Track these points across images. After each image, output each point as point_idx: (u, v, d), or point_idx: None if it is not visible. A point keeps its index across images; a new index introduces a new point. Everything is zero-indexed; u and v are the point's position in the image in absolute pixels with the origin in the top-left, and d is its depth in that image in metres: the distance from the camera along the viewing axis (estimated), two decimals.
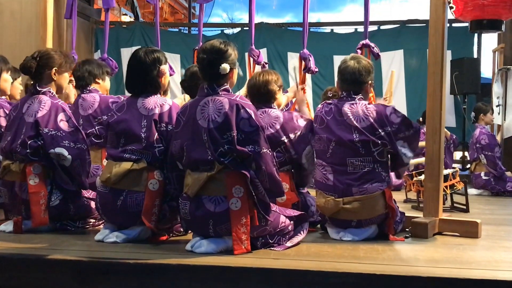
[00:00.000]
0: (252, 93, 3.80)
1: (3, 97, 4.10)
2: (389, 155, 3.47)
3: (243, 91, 4.48)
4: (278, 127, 3.64)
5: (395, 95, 8.91)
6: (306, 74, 4.59)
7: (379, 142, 3.36)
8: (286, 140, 3.63)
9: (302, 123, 3.68)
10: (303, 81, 4.56)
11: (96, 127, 4.17)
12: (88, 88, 4.37)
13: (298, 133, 3.65)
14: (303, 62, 4.57)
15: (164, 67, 3.33)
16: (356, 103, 3.46)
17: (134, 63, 3.31)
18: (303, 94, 4.39)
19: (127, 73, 3.36)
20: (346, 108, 3.45)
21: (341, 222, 3.41)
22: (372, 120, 3.39)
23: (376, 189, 3.35)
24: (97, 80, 4.42)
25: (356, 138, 3.36)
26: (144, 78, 3.28)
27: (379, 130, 3.37)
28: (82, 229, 3.59)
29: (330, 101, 3.60)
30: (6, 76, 4.03)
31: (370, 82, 3.57)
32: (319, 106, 3.66)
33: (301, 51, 4.43)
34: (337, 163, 3.41)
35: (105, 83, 4.52)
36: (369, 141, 3.36)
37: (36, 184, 3.40)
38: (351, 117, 3.41)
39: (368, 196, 3.33)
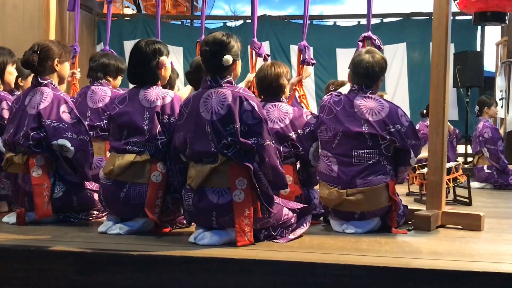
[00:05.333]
0: (262, 87, 3.80)
1: (17, 92, 4.10)
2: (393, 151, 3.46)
3: (243, 83, 4.47)
4: (287, 122, 3.65)
5: (397, 88, 8.93)
6: (307, 66, 4.58)
7: (388, 137, 3.36)
8: (294, 136, 3.63)
9: (311, 119, 3.68)
10: (300, 73, 4.56)
11: (104, 121, 4.17)
12: (99, 81, 4.37)
13: (307, 130, 3.64)
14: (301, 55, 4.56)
15: (164, 59, 3.32)
16: (368, 97, 3.46)
17: (135, 53, 3.32)
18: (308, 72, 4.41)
19: (128, 63, 3.38)
20: (359, 100, 3.44)
21: (344, 214, 3.41)
22: (384, 115, 3.38)
23: (380, 181, 3.35)
24: (108, 77, 4.42)
25: (365, 131, 3.36)
26: (142, 68, 3.28)
27: (390, 126, 3.37)
28: (85, 221, 3.60)
29: (337, 93, 3.60)
30: (11, 69, 4.02)
31: (382, 77, 3.57)
32: (327, 96, 3.65)
33: (299, 43, 4.43)
34: (342, 154, 3.40)
35: (116, 82, 4.51)
36: (377, 135, 3.35)
37: (39, 176, 3.41)
38: (363, 110, 3.40)
39: (372, 188, 3.33)
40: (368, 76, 3.51)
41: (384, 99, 3.53)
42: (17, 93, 4.13)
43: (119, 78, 4.52)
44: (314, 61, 4.50)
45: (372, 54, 3.55)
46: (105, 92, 4.29)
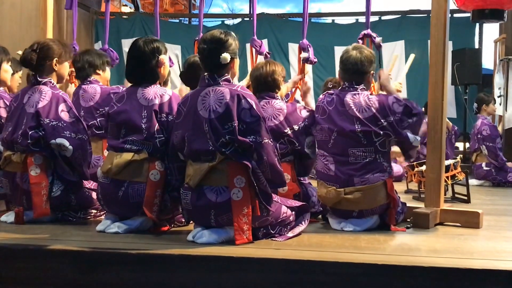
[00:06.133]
0: (258, 83, 3.79)
1: (1, 88, 4.09)
2: (390, 144, 3.46)
3: (244, 81, 4.46)
4: (281, 118, 3.64)
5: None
6: (306, 64, 4.57)
7: (381, 132, 3.36)
8: (289, 132, 3.62)
9: (305, 114, 3.67)
10: (302, 71, 4.55)
11: (98, 119, 4.16)
12: (88, 79, 4.36)
13: (302, 125, 3.64)
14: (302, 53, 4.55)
15: (163, 57, 3.32)
16: (358, 94, 3.46)
17: (134, 52, 3.31)
18: (307, 86, 4.39)
19: (127, 62, 3.36)
20: (348, 98, 3.44)
21: (343, 212, 3.41)
22: (374, 111, 3.38)
23: (378, 179, 3.35)
24: (97, 71, 4.41)
25: (358, 129, 3.35)
26: (142, 67, 3.28)
27: (382, 120, 3.36)
28: (83, 220, 3.59)
29: (331, 91, 3.59)
30: (6, 66, 4.01)
31: (372, 72, 3.57)
32: (321, 96, 3.66)
33: (300, 42, 4.42)
34: (338, 153, 3.40)
35: (106, 74, 4.51)
36: (371, 131, 3.35)
37: (38, 175, 3.40)
38: (353, 107, 3.40)
39: (369, 186, 3.33)
40: (358, 72, 3.51)
41: (374, 94, 3.54)
42: (1, 89, 4.10)
43: (108, 70, 4.53)
44: (316, 60, 4.50)
45: (360, 49, 3.55)
46: (95, 89, 4.27)
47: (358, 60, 3.49)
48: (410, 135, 3.42)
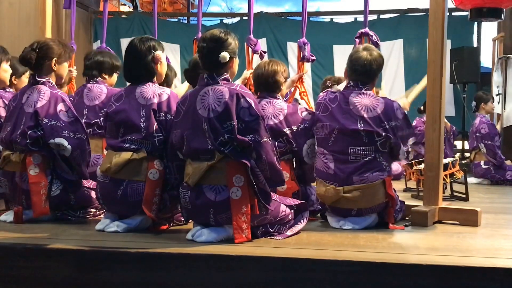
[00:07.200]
0: (259, 82, 3.80)
1: (10, 89, 4.10)
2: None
3: (239, 80, 4.48)
4: (281, 118, 3.64)
5: (394, 84, 8.92)
6: (305, 63, 4.58)
7: (383, 134, 3.37)
8: (288, 132, 3.62)
9: (306, 116, 3.67)
10: (300, 70, 4.56)
11: (101, 118, 4.17)
12: (95, 79, 4.37)
13: (301, 126, 3.64)
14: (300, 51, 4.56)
15: (159, 53, 3.32)
16: (364, 94, 3.46)
17: (130, 50, 3.32)
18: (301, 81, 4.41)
19: (124, 61, 3.37)
20: (354, 97, 3.45)
21: (341, 210, 3.42)
22: (379, 112, 3.39)
23: (377, 178, 3.35)
24: (104, 75, 4.41)
25: (360, 128, 3.36)
26: (138, 64, 3.28)
27: (385, 122, 3.38)
28: (83, 219, 3.59)
29: (333, 89, 3.60)
30: (6, 66, 4.00)
31: (378, 74, 3.58)
32: (322, 93, 3.66)
33: (298, 40, 4.43)
34: (338, 151, 3.41)
35: (112, 79, 4.50)
36: (373, 131, 3.36)
37: (37, 174, 3.41)
38: (358, 106, 3.41)
39: (368, 185, 3.33)
40: (366, 73, 3.52)
41: (379, 96, 3.54)
42: (10, 90, 4.12)
43: (115, 75, 4.52)
44: (314, 57, 4.51)
45: (370, 51, 3.55)
46: (101, 89, 4.29)
47: (368, 62, 3.49)
48: (402, 146, 3.45)
